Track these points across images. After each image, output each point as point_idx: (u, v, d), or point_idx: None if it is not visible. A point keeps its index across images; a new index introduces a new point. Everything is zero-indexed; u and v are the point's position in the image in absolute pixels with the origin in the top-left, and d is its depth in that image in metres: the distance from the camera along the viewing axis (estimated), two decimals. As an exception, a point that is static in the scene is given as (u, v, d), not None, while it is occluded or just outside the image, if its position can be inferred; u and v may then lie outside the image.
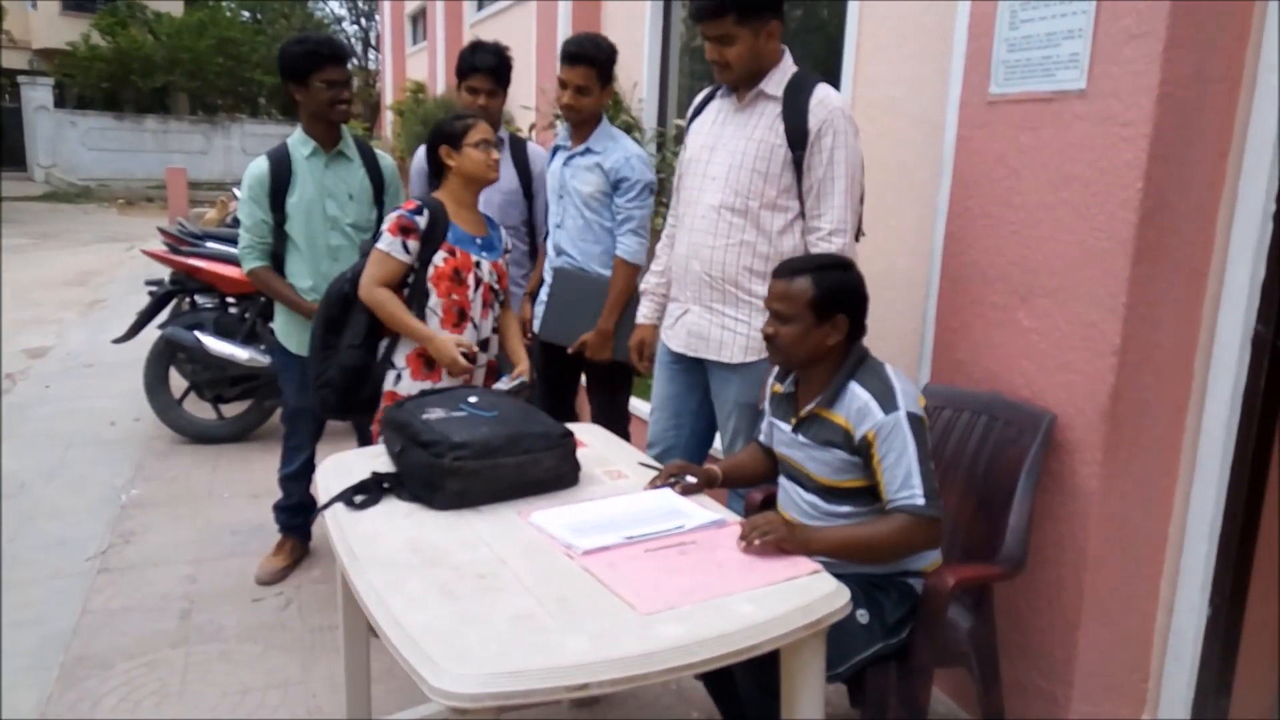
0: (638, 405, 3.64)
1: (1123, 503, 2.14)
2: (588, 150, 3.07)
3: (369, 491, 1.94)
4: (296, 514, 3.33)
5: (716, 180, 2.51)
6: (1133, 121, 1.99)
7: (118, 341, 4.95)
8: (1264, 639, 2.29)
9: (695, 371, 2.69)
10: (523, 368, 2.75)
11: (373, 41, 28.43)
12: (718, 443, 2.74)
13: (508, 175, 3.22)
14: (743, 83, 2.50)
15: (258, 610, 3.08)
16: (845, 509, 1.98)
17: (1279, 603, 2.25)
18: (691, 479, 2.07)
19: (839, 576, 1.84)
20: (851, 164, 2.38)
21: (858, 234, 2.54)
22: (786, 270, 2.01)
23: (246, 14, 27.56)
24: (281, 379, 3.29)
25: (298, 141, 3.04)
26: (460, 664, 1.33)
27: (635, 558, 1.70)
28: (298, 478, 3.26)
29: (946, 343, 2.56)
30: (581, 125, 3.08)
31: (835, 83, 3.31)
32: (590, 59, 3.01)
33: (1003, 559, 2.07)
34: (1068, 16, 2.14)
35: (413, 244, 2.57)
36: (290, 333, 3.14)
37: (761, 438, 2.26)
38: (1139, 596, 2.23)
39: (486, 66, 3.17)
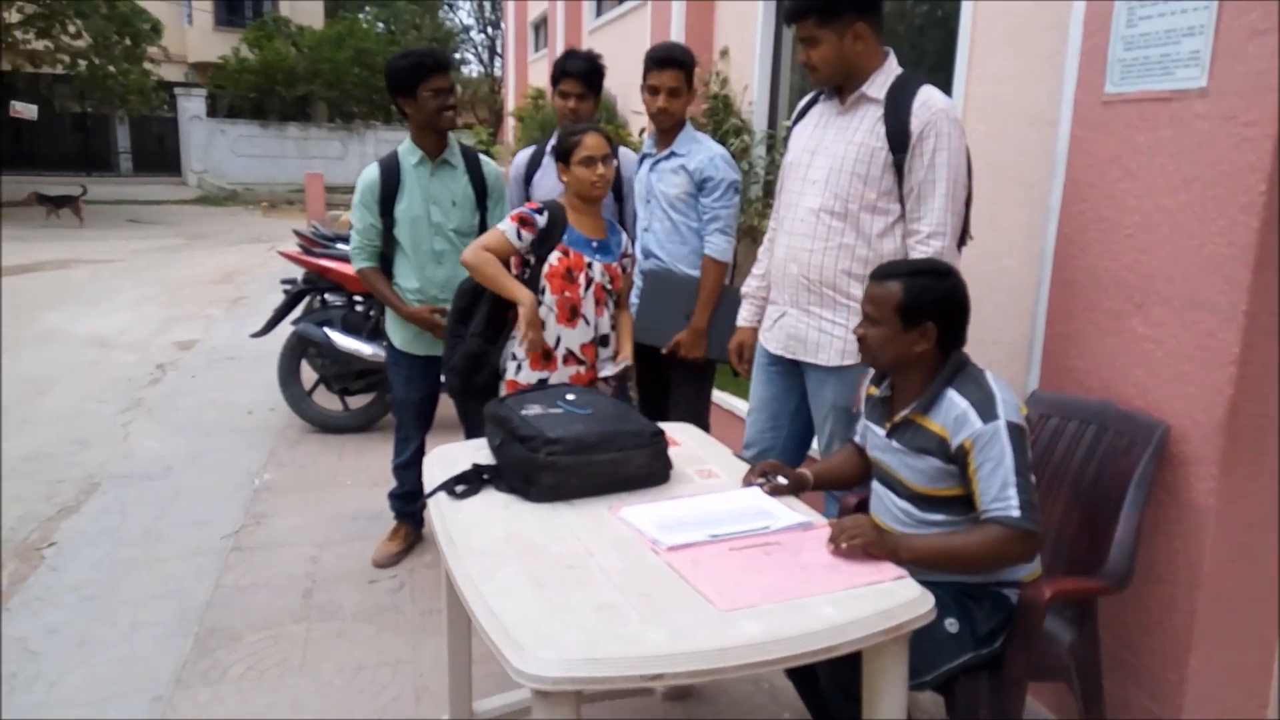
0: (733, 403, 3.66)
1: (1241, 521, 2.03)
2: (672, 154, 3.13)
3: (470, 482, 2.04)
4: (409, 501, 3.50)
5: (816, 184, 2.51)
6: (1256, 121, 1.89)
7: (255, 336, 5.31)
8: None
9: (793, 374, 2.69)
10: (625, 353, 2.90)
11: (498, 49, 29.23)
12: (815, 446, 2.73)
13: None
14: (839, 85, 2.50)
15: (373, 592, 3.26)
16: (939, 517, 1.95)
17: None
18: (781, 479, 2.08)
19: (929, 584, 1.83)
20: (954, 167, 2.34)
21: (964, 237, 2.50)
22: (881, 273, 2.00)
23: (381, 25, 28.81)
24: (390, 372, 3.47)
25: (406, 150, 3.20)
26: (545, 649, 1.40)
27: (719, 555, 1.73)
28: (409, 466, 3.42)
29: (1057, 349, 2.48)
30: (668, 130, 3.14)
31: (948, 79, 3.26)
32: (679, 62, 3.09)
33: (1107, 573, 1.99)
34: (1188, 13, 2.04)
35: (526, 234, 2.75)
36: (396, 330, 3.31)
37: (856, 439, 2.25)
38: (1258, 621, 2.11)
39: (577, 71, 3.28)
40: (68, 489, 4.16)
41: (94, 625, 3.00)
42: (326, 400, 5.13)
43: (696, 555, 1.73)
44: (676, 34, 5.95)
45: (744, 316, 2.90)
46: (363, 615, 3.10)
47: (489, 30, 31.61)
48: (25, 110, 19.96)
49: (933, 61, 3.55)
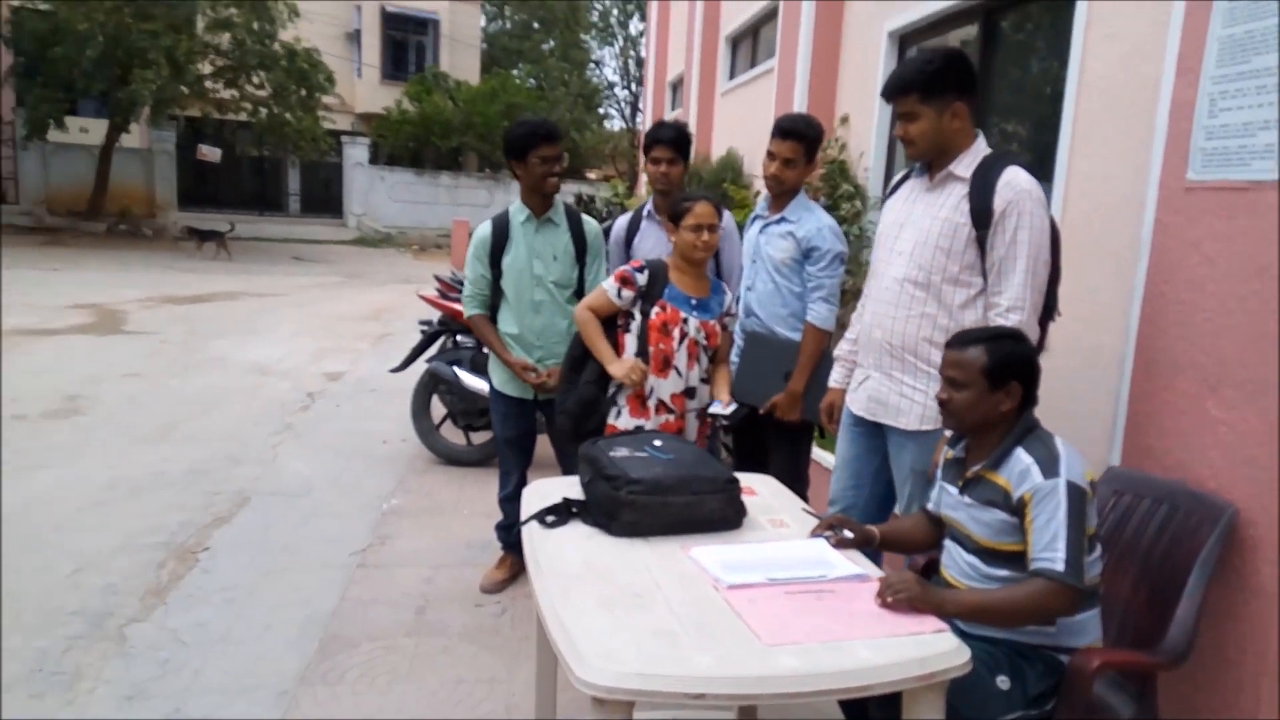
0: (822, 456, 3.78)
1: (1308, 607, 2.04)
2: (783, 219, 3.32)
3: (559, 514, 2.28)
4: (512, 532, 3.78)
5: (902, 255, 2.66)
6: (1327, 214, 1.95)
7: (394, 371, 5.78)
8: None
9: (876, 436, 2.82)
10: (726, 397, 3.08)
11: (640, 106, 30.22)
12: (897, 508, 2.84)
13: None
14: (931, 160, 2.65)
15: (478, 615, 3.53)
16: (1004, 573, 2.04)
17: None
18: (848, 533, 2.22)
19: (986, 640, 1.94)
20: (1035, 244, 2.45)
21: (1053, 313, 2.59)
22: (960, 340, 2.14)
23: (532, 81, 30.27)
24: (491, 410, 3.77)
25: (516, 209, 3.53)
26: (603, 662, 1.60)
27: (774, 597, 1.89)
28: (511, 500, 3.70)
29: (1137, 426, 2.53)
30: (781, 195, 3.33)
31: (1051, 157, 3.35)
32: (800, 134, 3.27)
33: (1163, 649, 2.04)
34: (1263, 107, 2.12)
35: (627, 293, 3.03)
36: (495, 371, 3.63)
37: (930, 505, 2.36)
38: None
39: (667, 138, 3.56)
40: (222, 501, 4.65)
41: (235, 624, 3.38)
42: (453, 434, 5.53)
43: (754, 595, 1.90)
44: (800, 99, 6.17)
45: (835, 378, 3.06)
46: (467, 635, 3.36)
47: (632, 87, 32.76)
48: (210, 153, 22.12)
49: (1039, 138, 3.63)
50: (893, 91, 2.60)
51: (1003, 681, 1.98)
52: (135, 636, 3.24)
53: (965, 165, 2.57)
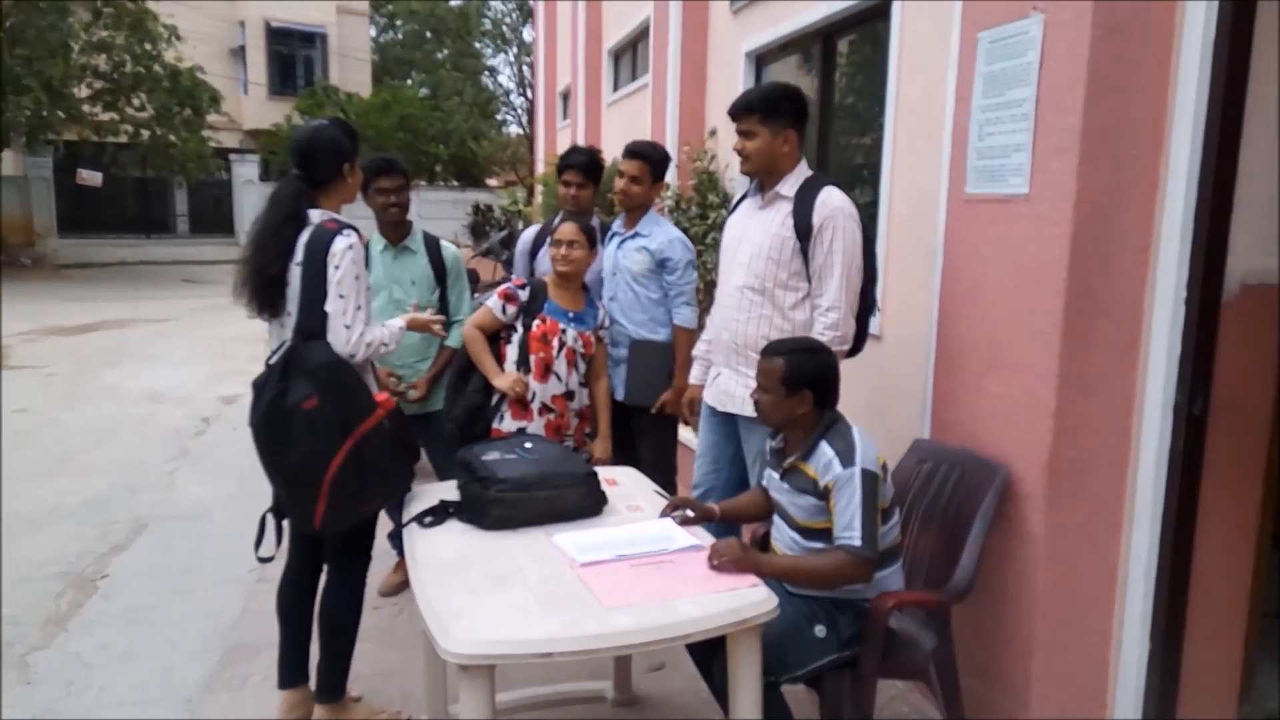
0: (690, 439, 4.14)
1: (1066, 547, 2.46)
2: (636, 234, 3.66)
3: (436, 515, 2.54)
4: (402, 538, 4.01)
5: (742, 265, 3.01)
6: (1059, 223, 2.36)
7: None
8: (1210, 678, 2.51)
9: (730, 424, 3.17)
10: (599, 454, 3.43)
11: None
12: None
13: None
14: (762, 181, 3.00)
15: (376, 616, 3.74)
16: (818, 545, 2.40)
17: (1224, 644, 2.48)
18: (690, 513, 2.55)
19: (810, 599, 2.29)
20: (848, 253, 2.82)
21: (873, 309, 2.98)
22: (769, 350, 2.48)
23: (425, 91, 30.09)
24: None
25: (375, 239, 3.75)
26: (465, 633, 1.88)
27: (620, 570, 2.20)
28: (397, 508, 3.92)
29: (939, 404, 2.94)
30: (632, 211, 3.68)
31: (878, 168, 3.77)
32: (644, 156, 3.65)
33: (949, 589, 2.43)
34: (1017, 133, 2.53)
35: (510, 308, 3.32)
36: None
37: (763, 482, 2.71)
38: (1091, 631, 2.52)
39: (578, 164, 3.86)
40: (120, 529, 4.73)
41: (139, 643, 3.52)
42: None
43: (602, 569, 2.20)
44: (672, 113, 6.54)
45: (694, 375, 3.40)
46: (365, 635, 3.52)
47: (528, 93, 32.87)
48: (90, 177, 21.38)
49: (871, 149, 4.05)
50: (739, 110, 2.97)
51: (820, 630, 2.34)
52: (38, 663, 3.36)
53: (790, 185, 2.94)
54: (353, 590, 2.92)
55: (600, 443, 3.49)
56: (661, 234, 3.63)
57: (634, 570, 2.20)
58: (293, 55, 27.15)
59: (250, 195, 24.87)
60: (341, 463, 2.51)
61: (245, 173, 24.86)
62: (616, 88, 10.31)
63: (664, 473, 3.69)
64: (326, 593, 2.93)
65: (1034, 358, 2.47)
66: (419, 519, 2.53)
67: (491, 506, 2.45)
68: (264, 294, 2.65)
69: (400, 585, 3.97)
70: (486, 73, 33.76)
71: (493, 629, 1.90)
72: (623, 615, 1.96)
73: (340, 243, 2.58)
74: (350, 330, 2.58)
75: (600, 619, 1.95)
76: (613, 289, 3.74)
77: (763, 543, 2.79)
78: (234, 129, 26.09)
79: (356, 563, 2.93)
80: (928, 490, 2.74)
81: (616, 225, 3.81)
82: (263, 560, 2.80)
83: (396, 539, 4.05)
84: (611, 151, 9.72)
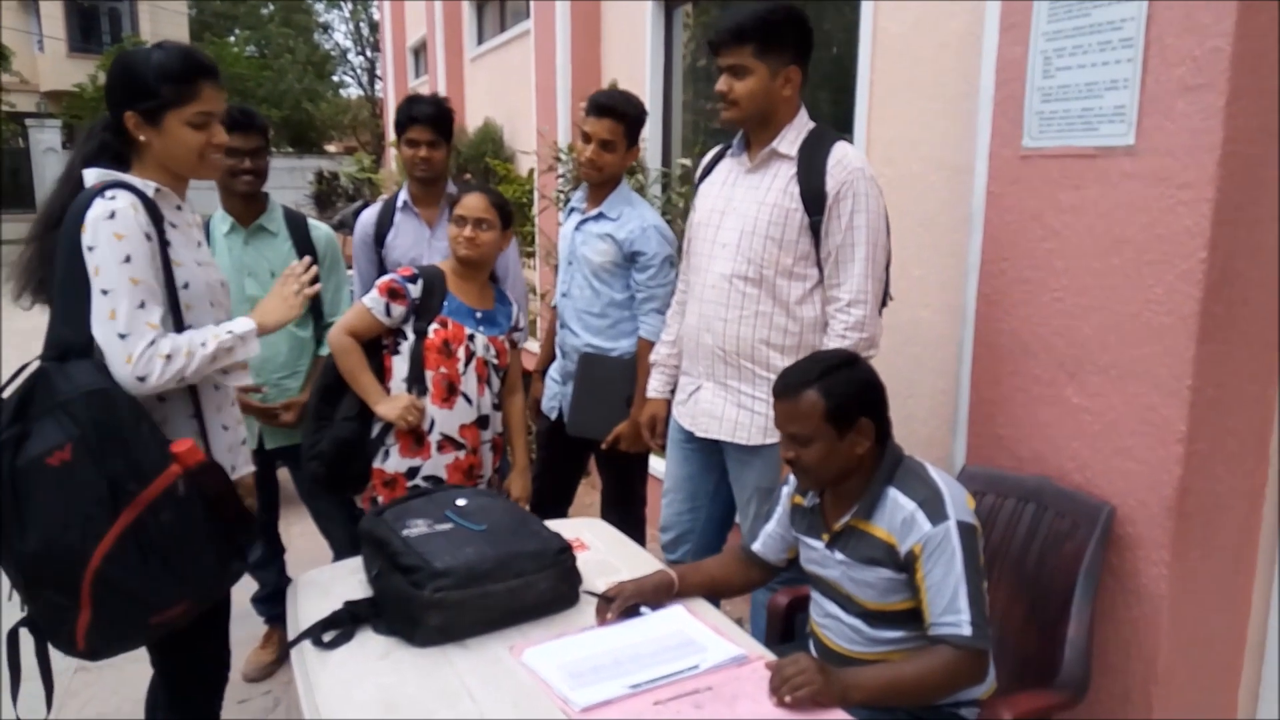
0: (660, 468, 3.42)
1: (1196, 608, 1.90)
2: (601, 215, 2.80)
3: (340, 625, 1.73)
4: (276, 603, 3.07)
5: (728, 247, 2.30)
6: (1192, 183, 1.76)
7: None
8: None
9: (711, 451, 2.46)
10: (517, 493, 2.65)
11: (378, 72, 28.54)
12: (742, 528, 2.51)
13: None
14: (749, 135, 2.30)
15: (244, 711, 2.86)
16: (893, 634, 1.74)
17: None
18: (645, 608, 1.83)
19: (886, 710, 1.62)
20: (873, 229, 2.16)
21: (885, 300, 2.32)
22: (789, 387, 1.77)
23: (252, 49, 27.69)
24: None
25: (219, 219, 2.79)
26: None
27: (641, 713, 1.47)
28: (264, 565, 3.03)
29: (984, 414, 2.33)
30: (601, 186, 2.82)
31: (849, 123, 3.12)
32: (620, 113, 2.74)
33: (1063, 682, 1.82)
34: (1110, 65, 1.91)
35: (397, 308, 2.43)
36: None
37: (756, 545, 2.02)
38: (1216, 710, 1.98)
39: (424, 117, 2.92)
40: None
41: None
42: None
43: (615, 714, 1.47)
44: (563, 65, 5.71)
45: (654, 387, 2.64)
46: (232, 744, 2.70)
47: (368, 53, 30.79)
48: None
49: (836, 100, 3.41)
50: (726, 38, 2.18)
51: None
52: None
53: (789, 142, 2.24)
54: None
55: (516, 478, 2.68)
56: (634, 219, 2.77)
57: (664, 712, 1.48)
58: (95, 8, 24.54)
59: (53, 165, 22.10)
60: (109, 550, 1.59)
61: (45, 139, 22.01)
62: (481, 40, 9.31)
63: (630, 510, 2.96)
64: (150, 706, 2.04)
65: (1145, 361, 1.88)
66: (313, 634, 1.71)
67: (427, 613, 1.66)
68: (38, 289, 1.82)
69: (272, 665, 3.07)
70: (320, 30, 31.39)
71: None
72: (679, 815, 1.24)
73: (95, 210, 1.66)
74: (127, 341, 1.67)
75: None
76: (566, 283, 2.90)
77: (787, 613, 2.12)
78: (29, 91, 23.20)
79: (197, 688, 2.06)
80: (990, 533, 2.13)
81: (576, 200, 2.95)
82: None
83: (263, 604, 3.16)
84: (481, 110, 8.80)
